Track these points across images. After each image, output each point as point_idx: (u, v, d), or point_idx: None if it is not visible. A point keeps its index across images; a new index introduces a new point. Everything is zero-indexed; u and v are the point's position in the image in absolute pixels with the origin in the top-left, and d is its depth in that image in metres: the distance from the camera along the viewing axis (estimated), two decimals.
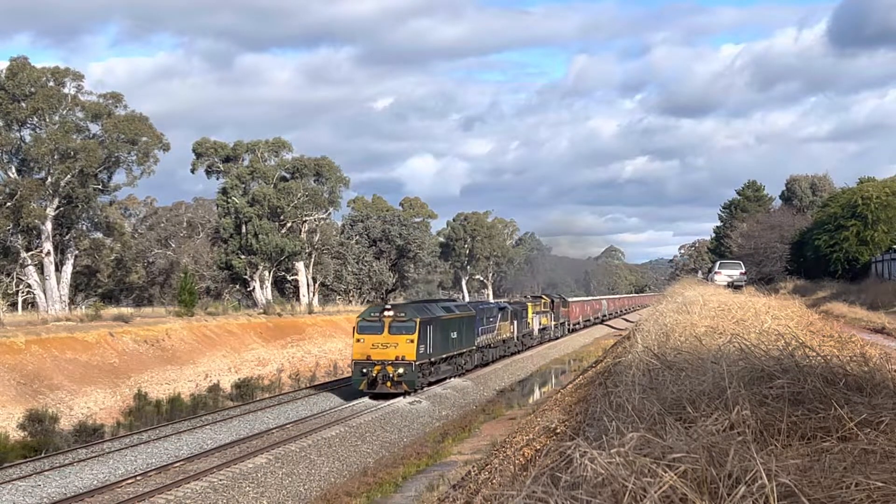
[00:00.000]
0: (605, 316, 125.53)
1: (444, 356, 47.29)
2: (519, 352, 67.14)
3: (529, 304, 72.21)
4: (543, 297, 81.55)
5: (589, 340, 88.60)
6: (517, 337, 65.67)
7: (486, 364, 57.78)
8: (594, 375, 24.56)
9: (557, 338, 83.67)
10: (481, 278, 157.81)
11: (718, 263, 58.31)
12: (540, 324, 75.33)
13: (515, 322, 64.54)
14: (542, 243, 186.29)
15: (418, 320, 42.58)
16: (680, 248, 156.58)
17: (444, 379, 48.80)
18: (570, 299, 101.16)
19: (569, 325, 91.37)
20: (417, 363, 42.63)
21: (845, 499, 5.06)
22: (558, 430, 15.34)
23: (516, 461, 15.14)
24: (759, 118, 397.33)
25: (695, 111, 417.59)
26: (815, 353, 8.84)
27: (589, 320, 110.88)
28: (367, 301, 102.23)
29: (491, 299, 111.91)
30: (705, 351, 10.58)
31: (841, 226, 55.39)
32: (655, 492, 5.00)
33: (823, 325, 21.22)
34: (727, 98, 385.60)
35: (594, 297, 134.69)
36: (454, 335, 48.79)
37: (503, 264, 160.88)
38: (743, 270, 54.42)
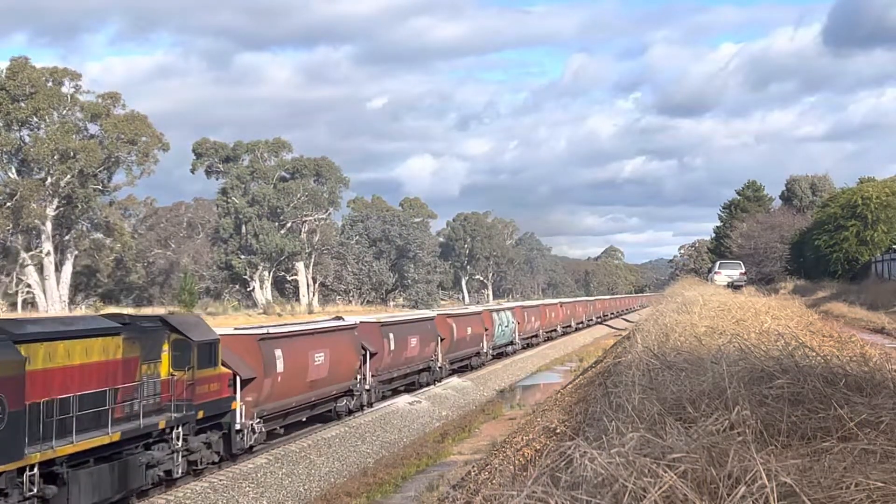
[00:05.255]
0: (487, 354, 54.37)
1: None
2: None
3: None
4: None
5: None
6: None
7: None
8: (594, 375, 24.56)
9: None
10: (481, 278, 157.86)
11: (718, 263, 58.31)
12: None
13: None
14: (542, 243, 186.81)
15: None
16: (680, 249, 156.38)
17: None
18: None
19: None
20: None
21: (845, 499, 5.05)
22: (558, 430, 15.34)
23: (516, 461, 15.14)
24: (758, 118, 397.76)
25: (693, 111, 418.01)
26: (814, 354, 8.85)
27: (400, 374, 40.94)
28: (367, 301, 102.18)
29: (491, 300, 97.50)
30: (705, 351, 10.59)
31: (841, 226, 55.37)
32: (656, 492, 5.00)
33: (823, 325, 21.23)
34: (725, 97, 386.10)
35: (463, 310, 59.14)
36: None
37: (503, 264, 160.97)
38: (743, 270, 54.44)
